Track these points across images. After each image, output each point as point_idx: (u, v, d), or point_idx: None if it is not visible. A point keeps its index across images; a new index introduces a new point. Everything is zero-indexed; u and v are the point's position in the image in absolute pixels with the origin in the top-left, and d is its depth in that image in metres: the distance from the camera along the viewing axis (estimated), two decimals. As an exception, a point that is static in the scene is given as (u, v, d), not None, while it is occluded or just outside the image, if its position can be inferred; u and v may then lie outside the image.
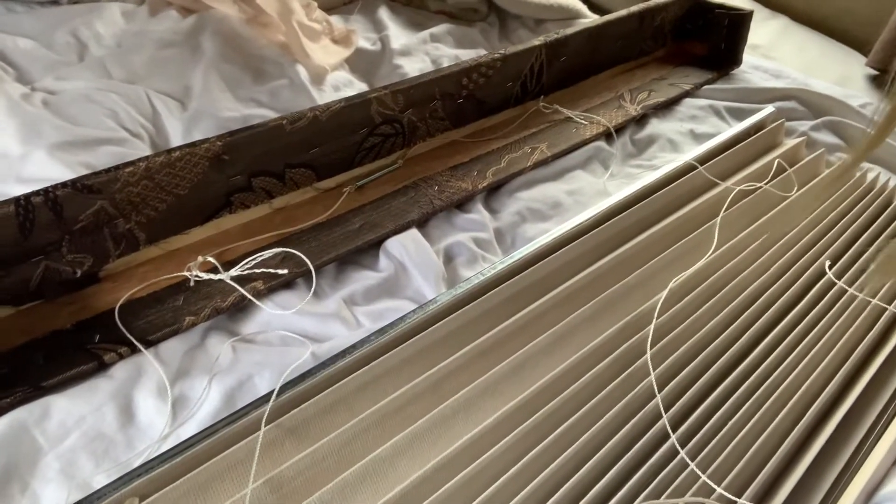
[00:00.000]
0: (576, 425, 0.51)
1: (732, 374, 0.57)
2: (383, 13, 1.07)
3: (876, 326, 0.63)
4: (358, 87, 0.91)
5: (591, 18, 1.14)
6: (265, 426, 0.48)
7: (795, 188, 0.80)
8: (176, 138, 0.75)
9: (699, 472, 0.48)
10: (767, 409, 0.54)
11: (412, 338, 0.56)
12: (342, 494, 0.46)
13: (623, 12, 1.04)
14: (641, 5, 1.08)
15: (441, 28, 1.06)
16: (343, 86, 0.90)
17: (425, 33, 1.03)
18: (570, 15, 1.17)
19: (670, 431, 0.51)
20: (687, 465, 0.49)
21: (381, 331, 0.56)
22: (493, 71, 0.85)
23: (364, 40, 0.99)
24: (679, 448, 0.50)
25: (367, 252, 0.68)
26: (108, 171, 0.58)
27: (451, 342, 0.57)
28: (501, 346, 0.57)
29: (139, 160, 0.59)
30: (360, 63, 0.96)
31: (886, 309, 0.65)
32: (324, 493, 0.45)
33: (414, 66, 0.96)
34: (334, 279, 0.65)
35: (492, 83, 0.86)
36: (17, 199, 0.53)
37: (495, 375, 0.54)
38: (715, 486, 0.48)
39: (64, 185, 0.55)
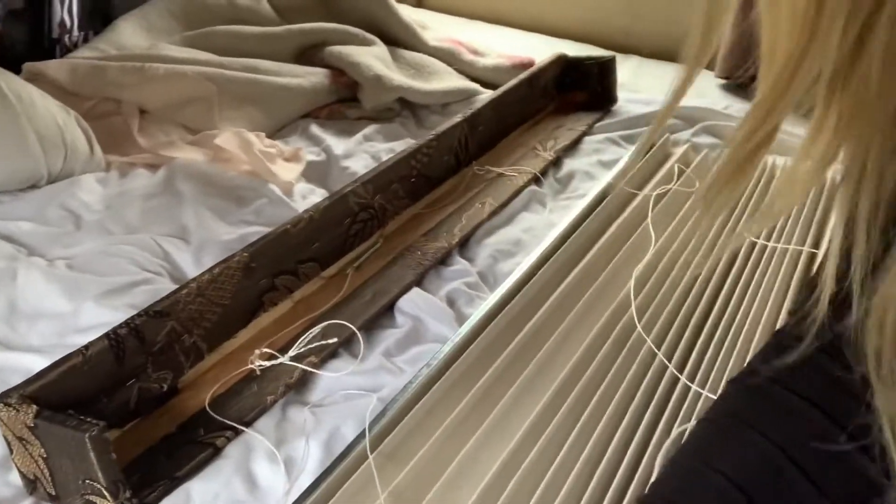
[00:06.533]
0: (601, 398, 0.65)
1: (711, 314, 0.74)
2: (315, 129, 1.22)
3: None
4: (320, 193, 1.05)
5: (485, 93, 1.34)
6: (371, 454, 0.59)
7: (697, 183, 0.99)
8: (189, 268, 0.85)
9: (699, 389, 0.63)
10: (743, 334, 0.71)
11: (452, 365, 0.69)
12: (443, 495, 0.57)
13: (513, 82, 1.24)
14: (525, 73, 1.28)
15: (369, 129, 1.22)
16: (308, 194, 1.04)
17: (359, 136, 1.19)
18: (468, 95, 1.37)
19: (676, 372, 0.66)
20: (689, 390, 0.64)
21: (427, 364, 0.69)
22: (432, 150, 1.02)
23: (310, 154, 1.13)
24: (678, 374, 0.65)
25: (384, 315, 0.81)
26: (168, 296, 0.68)
27: (484, 358, 0.70)
28: (525, 353, 0.71)
29: (190, 281, 0.70)
30: (314, 173, 1.10)
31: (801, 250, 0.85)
32: (433, 495, 0.57)
33: (359, 164, 1.11)
34: (366, 342, 0.77)
35: (433, 160, 1.02)
36: (107, 334, 0.63)
37: (528, 377, 0.68)
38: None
39: (139, 314, 0.66)
